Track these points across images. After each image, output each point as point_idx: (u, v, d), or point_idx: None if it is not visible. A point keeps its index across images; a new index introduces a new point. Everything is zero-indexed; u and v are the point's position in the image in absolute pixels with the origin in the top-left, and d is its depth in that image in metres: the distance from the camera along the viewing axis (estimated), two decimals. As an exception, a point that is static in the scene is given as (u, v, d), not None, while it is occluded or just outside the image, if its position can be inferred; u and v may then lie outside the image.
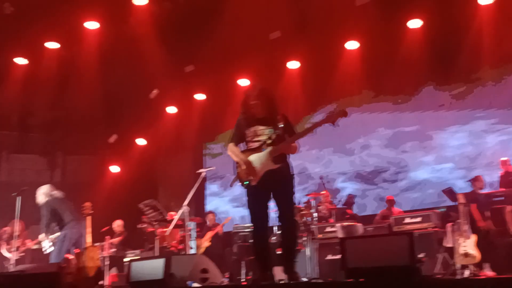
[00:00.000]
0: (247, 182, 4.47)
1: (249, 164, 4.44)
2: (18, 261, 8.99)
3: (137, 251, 9.96)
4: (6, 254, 8.78)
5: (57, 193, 7.96)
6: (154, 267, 4.40)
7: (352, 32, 9.99)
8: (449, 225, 7.23)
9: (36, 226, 10.60)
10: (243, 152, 4.60)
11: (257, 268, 4.44)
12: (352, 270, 3.61)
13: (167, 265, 4.32)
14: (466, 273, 6.61)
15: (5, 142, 15.54)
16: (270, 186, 4.45)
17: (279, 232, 8.86)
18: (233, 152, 4.64)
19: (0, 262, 10.28)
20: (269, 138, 4.46)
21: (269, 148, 4.43)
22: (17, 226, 9.18)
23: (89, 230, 6.41)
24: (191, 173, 12.23)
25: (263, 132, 4.51)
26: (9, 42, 10.49)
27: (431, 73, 10.24)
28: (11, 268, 8.54)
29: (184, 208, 6.61)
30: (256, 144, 4.52)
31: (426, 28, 9.60)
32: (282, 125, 4.48)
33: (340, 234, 7.04)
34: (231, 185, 4.72)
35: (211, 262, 5.20)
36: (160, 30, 10.01)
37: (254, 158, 4.47)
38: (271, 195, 4.52)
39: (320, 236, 8.07)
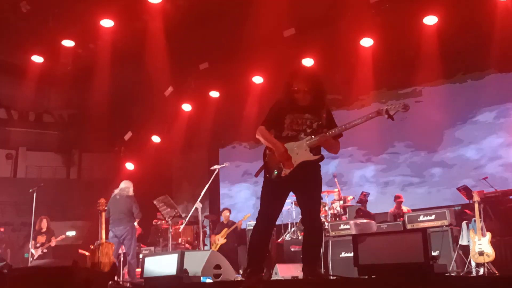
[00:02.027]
0: (277, 172, 4.01)
1: (284, 151, 3.96)
2: (40, 257, 9.14)
3: (152, 248, 10.07)
4: (31, 249, 8.95)
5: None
6: (167, 263, 4.43)
7: (366, 29, 9.92)
8: (464, 222, 7.16)
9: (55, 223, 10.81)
10: (279, 138, 4.10)
11: (253, 263, 4.00)
12: (364, 267, 3.61)
13: (181, 261, 4.34)
14: (481, 271, 6.55)
15: (22, 140, 15.84)
16: (299, 180, 4.00)
17: (299, 230, 8.95)
18: (264, 136, 4.10)
19: (22, 257, 10.49)
20: (310, 127, 4.04)
21: (309, 138, 4.01)
22: (43, 222, 9.35)
23: (103, 226, 6.46)
24: (206, 170, 12.30)
25: (305, 122, 4.07)
26: (26, 41, 10.64)
27: (447, 69, 10.16)
28: (29, 263, 8.67)
29: (197, 205, 6.63)
30: (293, 133, 4.07)
31: (442, 24, 9.48)
32: (325, 117, 4.10)
33: (353, 232, 7.01)
34: (256, 175, 4.25)
35: (224, 258, 5.22)
36: (174, 27, 10.05)
37: (290, 146, 4.01)
38: (291, 192, 4.14)
39: (333, 233, 8.05)
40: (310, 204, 4.04)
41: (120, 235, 7.83)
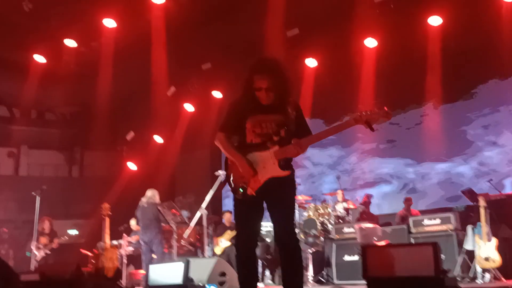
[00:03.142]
0: (242, 191, 3.42)
1: (248, 167, 3.37)
2: (42, 259, 9.13)
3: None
4: (34, 250, 8.96)
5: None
6: (173, 272, 4.40)
7: (370, 29, 9.87)
8: (469, 227, 7.11)
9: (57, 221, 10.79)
10: (240, 148, 3.49)
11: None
12: (374, 279, 3.57)
13: (186, 270, 4.31)
14: (487, 277, 6.51)
15: (24, 138, 15.79)
16: (270, 197, 3.43)
17: (303, 232, 8.91)
18: (224, 146, 3.50)
19: (24, 255, 10.47)
20: (277, 133, 3.38)
21: (276, 148, 3.35)
22: (46, 224, 9.35)
23: (107, 231, 6.44)
24: (208, 171, 12.27)
25: (270, 125, 3.41)
26: (29, 39, 10.60)
27: (452, 71, 10.10)
28: (32, 266, 8.65)
29: (202, 211, 6.59)
30: (258, 140, 3.41)
31: (446, 25, 9.42)
32: (295, 116, 3.44)
33: (358, 237, 6.98)
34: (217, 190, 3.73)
35: (229, 265, 5.18)
36: (177, 27, 10.01)
37: (255, 158, 3.39)
38: (265, 208, 3.52)
39: (337, 236, 8.01)
40: (282, 222, 3.43)
41: (149, 241, 8.06)
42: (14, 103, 15.04)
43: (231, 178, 3.48)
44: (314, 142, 3.36)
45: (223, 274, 4.94)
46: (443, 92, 10.33)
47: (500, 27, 9.00)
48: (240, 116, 3.47)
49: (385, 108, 3.17)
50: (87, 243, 11.83)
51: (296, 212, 9.82)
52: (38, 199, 8.63)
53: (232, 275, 5.09)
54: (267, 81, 3.32)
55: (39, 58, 10.97)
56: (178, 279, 4.30)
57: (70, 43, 10.41)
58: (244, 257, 3.49)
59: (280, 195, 3.41)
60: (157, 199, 8.42)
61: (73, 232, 14.14)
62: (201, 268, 4.81)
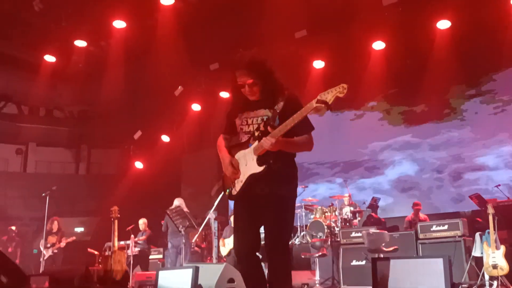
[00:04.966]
0: (228, 191, 3.35)
1: (228, 164, 3.30)
2: (50, 258, 9.19)
3: (160, 249, 10.08)
4: (42, 249, 9.05)
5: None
6: (181, 278, 4.41)
7: (378, 32, 9.84)
8: (477, 234, 7.09)
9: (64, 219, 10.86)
10: (233, 147, 3.40)
11: None
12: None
13: (195, 277, 4.32)
14: (495, 285, 6.49)
15: (33, 135, 15.90)
16: (254, 197, 3.23)
17: (309, 235, 8.90)
18: (218, 147, 3.47)
19: (31, 253, 10.56)
20: (259, 128, 3.23)
21: (255, 143, 3.20)
22: (54, 223, 9.42)
23: (116, 234, 6.47)
24: (215, 171, 12.28)
25: (256, 120, 3.30)
26: (39, 38, 10.67)
27: (459, 74, 10.08)
28: (40, 264, 8.72)
29: (210, 215, 6.61)
30: (245, 137, 3.33)
31: (455, 29, 9.39)
32: (281, 108, 3.20)
33: (365, 242, 6.97)
34: (212, 194, 3.54)
35: (237, 271, 5.18)
36: (185, 28, 10.04)
37: (239, 156, 3.30)
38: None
39: (344, 241, 8.01)
40: (268, 228, 3.22)
41: (177, 245, 8.46)
42: (23, 100, 15.15)
43: (222, 180, 3.41)
44: (283, 132, 3.06)
45: (231, 280, 4.94)
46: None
47: (510, 31, 8.98)
48: (232, 115, 3.44)
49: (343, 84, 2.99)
50: (93, 241, 11.90)
51: (303, 214, 9.84)
52: (47, 199, 8.69)
53: (240, 281, 5.10)
54: (247, 76, 3.21)
55: (49, 58, 11.02)
56: (187, 285, 4.32)
57: (80, 43, 10.45)
58: (244, 263, 3.29)
59: (262, 193, 3.19)
60: (184, 207, 8.82)
61: (80, 229, 14.24)
62: (209, 275, 4.82)
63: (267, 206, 3.18)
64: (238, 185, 3.24)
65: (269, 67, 3.26)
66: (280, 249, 3.19)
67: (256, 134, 3.19)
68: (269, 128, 3.12)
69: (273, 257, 3.18)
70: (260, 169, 3.14)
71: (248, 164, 3.21)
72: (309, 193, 10.77)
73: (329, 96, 2.95)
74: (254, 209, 3.24)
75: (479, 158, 10.09)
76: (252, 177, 3.18)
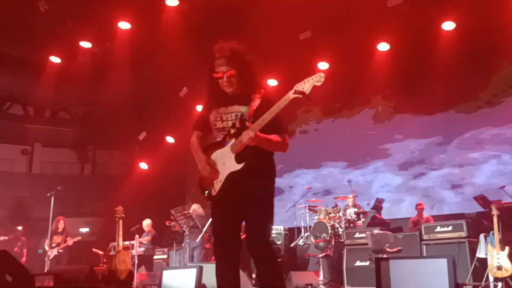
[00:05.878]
0: (207, 192, 3.24)
1: (204, 164, 3.18)
2: (55, 258, 9.24)
3: (165, 249, 10.11)
4: (47, 249, 9.10)
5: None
6: (186, 278, 4.44)
7: (383, 33, 9.85)
8: (482, 235, 7.08)
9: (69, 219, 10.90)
10: (209, 147, 3.26)
11: None
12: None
13: (199, 276, 4.34)
14: (499, 286, 6.47)
15: (38, 136, 15.98)
16: (235, 195, 3.13)
17: (313, 236, 8.88)
18: (192, 147, 3.31)
19: (37, 253, 10.60)
20: (235, 125, 3.12)
21: (232, 141, 3.11)
22: (60, 223, 9.47)
23: (120, 234, 6.50)
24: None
25: (230, 117, 3.18)
26: (44, 39, 10.72)
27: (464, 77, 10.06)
28: (45, 264, 8.77)
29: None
30: (220, 135, 3.21)
31: (459, 30, 9.37)
32: (257, 105, 3.11)
33: (369, 243, 6.97)
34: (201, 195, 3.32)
35: (240, 270, 5.20)
36: (190, 29, 10.06)
37: (216, 155, 3.19)
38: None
39: (348, 241, 8.01)
40: (250, 226, 3.14)
41: (192, 247, 8.57)
42: (29, 101, 15.22)
43: (200, 182, 3.30)
44: (261, 126, 2.98)
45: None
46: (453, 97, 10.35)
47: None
48: (205, 110, 3.31)
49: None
50: (98, 242, 11.94)
51: (306, 214, 9.84)
52: (52, 199, 8.73)
53: (244, 280, 5.12)
54: (226, 65, 3.12)
55: (54, 59, 11.08)
56: (191, 285, 4.34)
57: (85, 44, 10.51)
58: (221, 267, 3.25)
59: (242, 190, 3.09)
60: (200, 211, 9.14)
61: (85, 229, 14.29)
62: (213, 274, 4.84)
63: (247, 202, 3.12)
64: (218, 185, 3.15)
65: (249, 60, 3.18)
66: (262, 242, 3.13)
67: (232, 131, 3.11)
68: (247, 123, 3.05)
69: (255, 251, 3.12)
70: (239, 166, 3.07)
71: (226, 163, 3.12)
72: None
73: (306, 86, 2.91)
74: (234, 210, 3.17)
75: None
76: (232, 175, 3.10)
